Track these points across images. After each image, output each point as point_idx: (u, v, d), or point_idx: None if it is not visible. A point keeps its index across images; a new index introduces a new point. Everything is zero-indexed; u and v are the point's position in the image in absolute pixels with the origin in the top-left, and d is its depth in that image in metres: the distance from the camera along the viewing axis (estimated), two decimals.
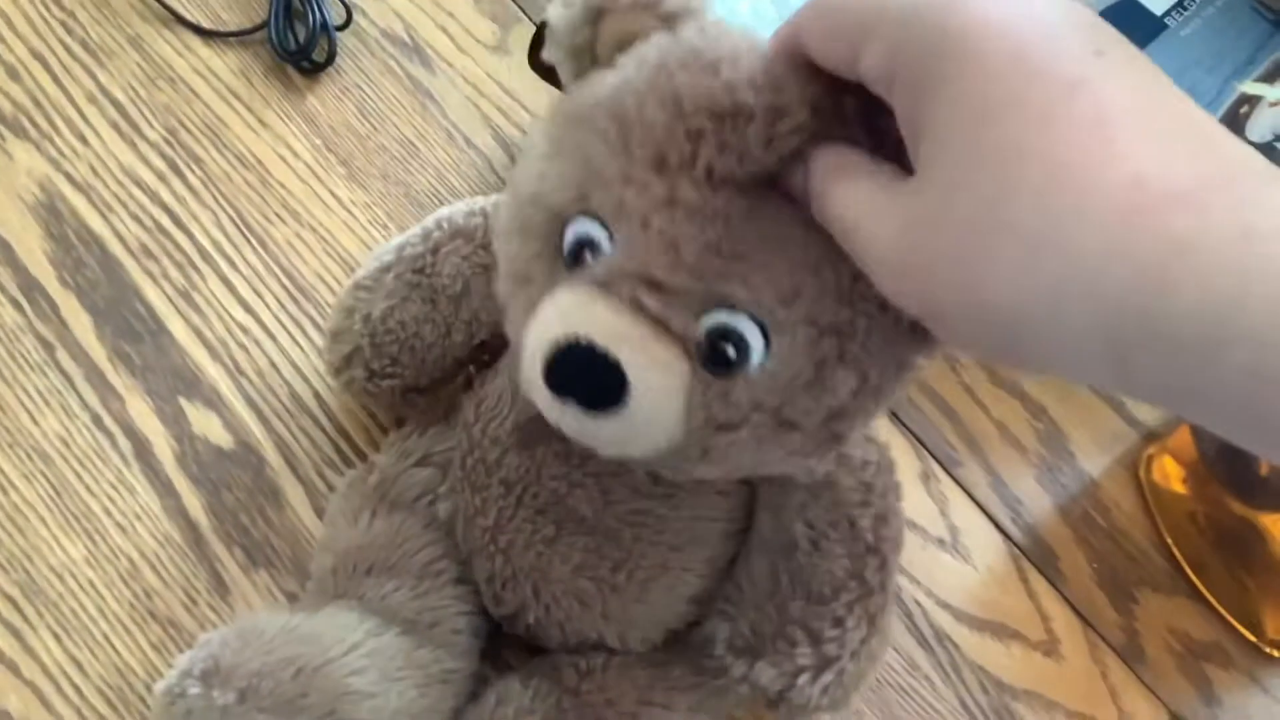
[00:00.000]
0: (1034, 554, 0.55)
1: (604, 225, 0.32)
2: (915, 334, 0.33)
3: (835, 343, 0.32)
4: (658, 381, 0.32)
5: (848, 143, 0.30)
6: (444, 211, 0.48)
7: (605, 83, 0.33)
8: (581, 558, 0.42)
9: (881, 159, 0.30)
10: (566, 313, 0.32)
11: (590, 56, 0.34)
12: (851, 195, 0.29)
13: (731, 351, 0.32)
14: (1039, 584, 0.55)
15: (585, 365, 0.31)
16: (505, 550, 0.42)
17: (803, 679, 0.42)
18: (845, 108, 0.30)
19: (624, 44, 0.33)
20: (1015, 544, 0.55)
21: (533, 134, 0.36)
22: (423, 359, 0.46)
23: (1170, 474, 0.57)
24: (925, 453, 0.57)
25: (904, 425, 0.57)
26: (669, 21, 0.33)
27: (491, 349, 0.47)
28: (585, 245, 0.33)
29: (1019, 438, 0.58)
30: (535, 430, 0.35)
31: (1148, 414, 0.59)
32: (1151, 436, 0.59)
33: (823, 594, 0.43)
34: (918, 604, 0.53)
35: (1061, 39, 0.25)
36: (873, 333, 0.32)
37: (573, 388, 0.32)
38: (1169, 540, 0.56)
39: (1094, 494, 0.57)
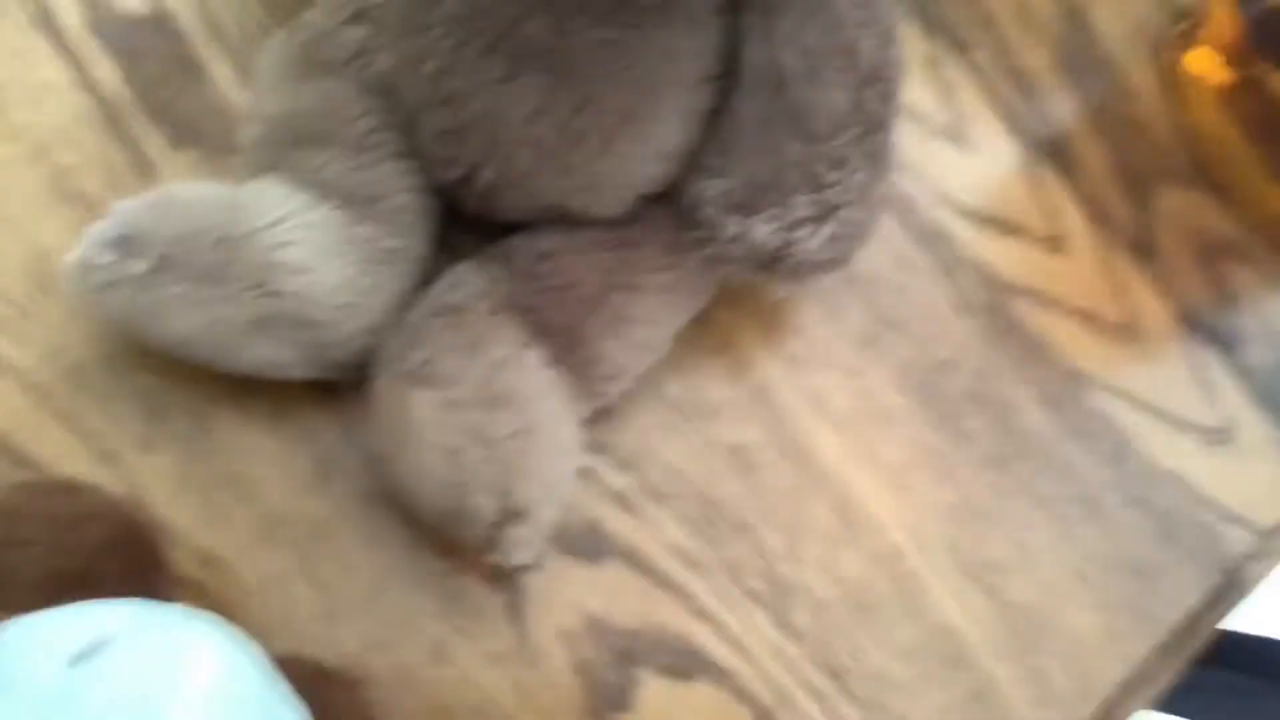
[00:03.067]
0: (1044, 145, 0.50)
1: None
2: None
3: None
4: None
5: None
6: None
7: None
8: (539, 100, 0.37)
9: None
10: None
11: None
12: None
13: None
14: (1047, 176, 0.50)
15: None
16: (453, 99, 0.37)
17: (802, 231, 0.39)
18: None
19: None
20: (1024, 133, 0.50)
21: None
22: None
23: (1203, 58, 0.51)
24: (932, 33, 0.51)
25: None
26: None
27: None
28: None
29: (1037, 16, 0.51)
30: None
31: None
32: (1183, 16, 0.52)
33: (821, 132, 0.38)
34: (913, 198, 0.49)
35: None
36: None
37: None
38: (1196, 131, 0.51)
39: (1116, 81, 0.51)
